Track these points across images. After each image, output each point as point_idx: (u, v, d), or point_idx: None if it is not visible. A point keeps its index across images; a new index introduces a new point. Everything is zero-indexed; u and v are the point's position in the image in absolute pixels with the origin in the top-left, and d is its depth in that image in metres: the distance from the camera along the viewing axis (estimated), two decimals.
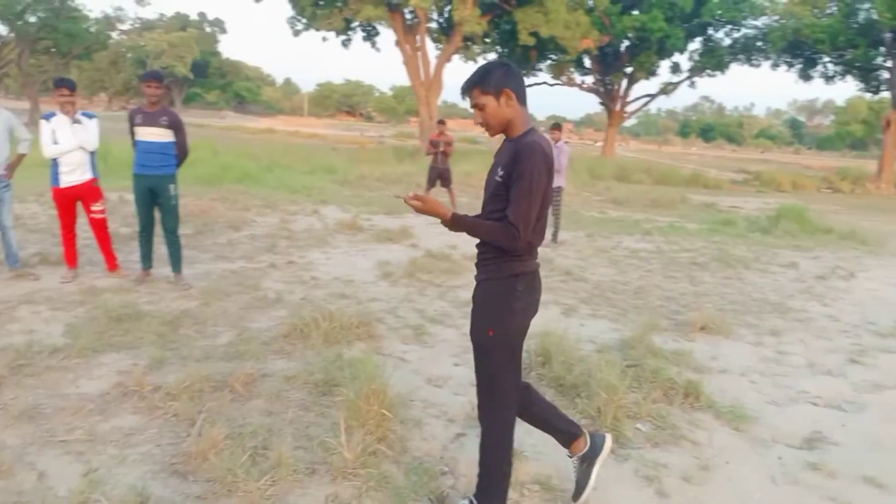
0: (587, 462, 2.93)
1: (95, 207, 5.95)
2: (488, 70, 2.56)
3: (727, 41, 33.68)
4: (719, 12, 30.90)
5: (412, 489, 2.95)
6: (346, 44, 28.24)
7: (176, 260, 6.03)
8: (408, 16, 26.14)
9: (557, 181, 9.49)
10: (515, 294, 2.56)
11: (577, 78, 37.57)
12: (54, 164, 5.74)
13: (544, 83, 40.09)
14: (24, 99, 36.75)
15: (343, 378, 3.98)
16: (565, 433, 2.96)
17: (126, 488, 2.73)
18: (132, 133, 5.74)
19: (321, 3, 25.29)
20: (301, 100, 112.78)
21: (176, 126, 5.76)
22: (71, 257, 6.02)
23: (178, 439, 3.24)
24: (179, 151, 5.88)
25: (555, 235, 9.55)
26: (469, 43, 28.22)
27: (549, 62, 36.34)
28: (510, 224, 2.45)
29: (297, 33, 26.36)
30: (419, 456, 3.27)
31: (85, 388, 3.75)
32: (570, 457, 2.97)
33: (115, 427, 3.33)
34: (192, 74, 65.03)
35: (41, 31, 33.96)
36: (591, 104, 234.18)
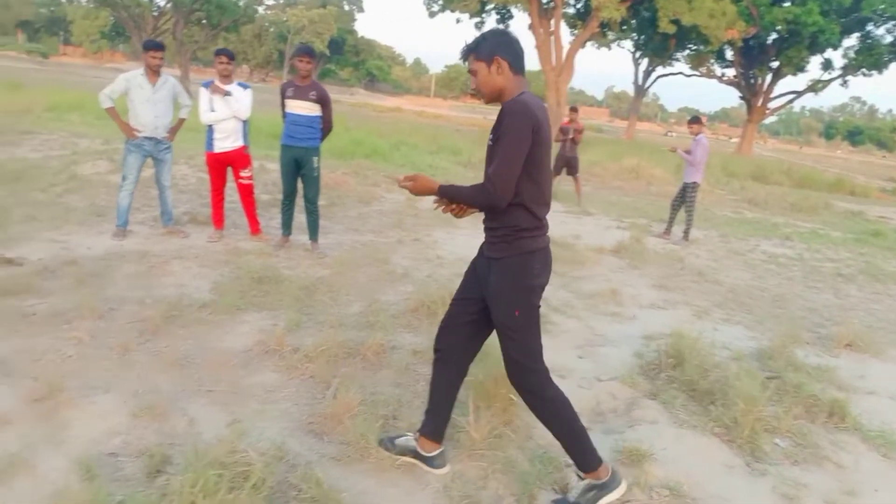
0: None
1: (244, 173, 6.30)
2: (484, 37, 2.59)
3: (888, 38, 30.90)
4: (882, 7, 28.34)
5: (536, 476, 2.93)
6: (478, 26, 28.25)
7: (314, 229, 6.28)
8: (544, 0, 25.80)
9: (693, 176, 9.08)
10: (533, 272, 2.60)
11: (717, 70, 35.72)
12: (209, 130, 6.11)
13: (680, 73, 38.49)
14: (174, 67, 39.42)
15: None
16: (432, 426, 2.88)
17: (267, 442, 2.87)
18: (283, 105, 6.01)
19: None
20: (429, 80, 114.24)
21: (323, 101, 5.97)
22: (218, 219, 6.41)
23: (314, 400, 3.38)
24: (325, 125, 6.09)
25: (686, 233, 9.16)
26: (605, 29, 27.46)
27: (687, 52, 34.83)
28: (486, 180, 2.46)
29: (432, 14, 26.68)
30: (543, 444, 3.23)
31: (230, 343, 3.98)
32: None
33: (257, 382, 3.51)
34: (328, 51, 67.43)
35: (196, 2, 36.27)
36: (728, 98, 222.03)
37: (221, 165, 6.20)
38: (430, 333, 4.46)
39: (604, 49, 39.34)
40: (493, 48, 2.54)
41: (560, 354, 4.47)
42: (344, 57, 77.76)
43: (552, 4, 25.54)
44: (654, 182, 17.09)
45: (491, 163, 2.49)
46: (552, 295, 5.85)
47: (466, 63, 2.62)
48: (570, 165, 11.67)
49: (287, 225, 6.37)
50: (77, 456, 2.66)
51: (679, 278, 7.04)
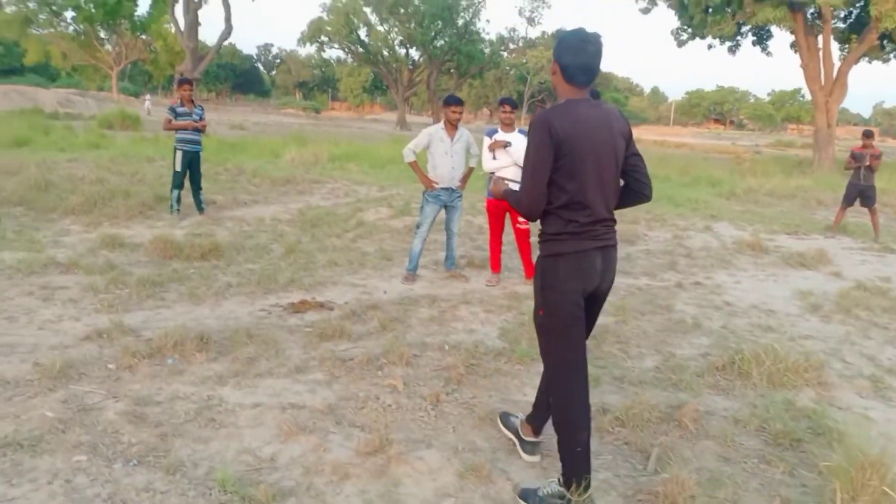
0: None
1: (522, 219, 6.33)
2: (560, 37, 2.69)
3: None
4: None
5: None
6: (732, 49, 26.47)
7: None
8: (809, 16, 23.40)
9: None
10: (558, 275, 2.64)
11: None
12: (490, 177, 6.24)
13: None
14: (426, 114, 42.47)
15: (801, 431, 3.49)
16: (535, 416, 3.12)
17: None
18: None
19: (711, 9, 24.06)
20: (668, 108, 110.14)
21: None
22: (496, 263, 6.50)
23: (635, 472, 3.12)
24: None
25: None
26: (883, 41, 24.16)
27: None
28: (518, 191, 2.69)
29: (681, 44, 25.55)
30: None
31: (531, 396, 3.87)
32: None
33: None
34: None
35: (447, 53, 38.88)
36: None
37: (502, 212, 6.29)
38: (745, 398, 4.01)
39: (877, 63, 34.71)
40: (556, 52, 2.66)
41: None
42: None
43: (819, 20, 23.07)
44: None
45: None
46: (880, 352, 5.00)
47: None
48: (864, 196, 10.20)
49: None
50: None
51: None
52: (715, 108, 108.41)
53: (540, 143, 2.52)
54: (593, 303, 2.80)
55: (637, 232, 9.71)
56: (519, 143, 6.15)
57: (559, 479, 2.74)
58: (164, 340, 4.21)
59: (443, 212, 6.46)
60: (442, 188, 6.22)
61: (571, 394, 2.72)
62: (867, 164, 10.01)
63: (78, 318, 4.80)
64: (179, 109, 8.44)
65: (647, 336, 5.12)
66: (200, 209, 8.80)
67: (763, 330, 5.41)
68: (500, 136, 6.11)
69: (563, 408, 2.74)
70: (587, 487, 2.68)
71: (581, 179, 2.55)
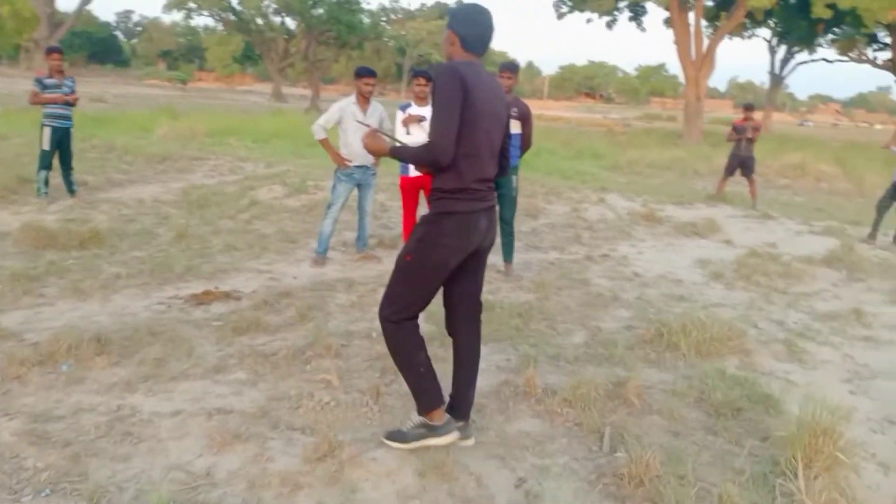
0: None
1: None
2: (455, 9, 2.86)
3: None
4: None
5: None
6: (610, 25, 27.41)
7: (509, 250, 6.01)
8: None
9: None
10: (443, 230, 2.72)
11: (870, 53, 32.78)
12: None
13: (823, 59, 35.80)
14: (301, 85, 41.11)
15: (739, 399, 3.57)
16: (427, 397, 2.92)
17: None
18: None
19: None
20: (542, 82, 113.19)
21: (524, 117, 5.69)
22: None
23: (591, 453, 3.05)
24: (524, 142, 5.81)
25: None
26: (748, 19, 25.84)
27: (831, 37, 32.28)
28: (428, 140, 2.63)
29: (561, 16, 26.16)
30: None
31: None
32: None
33: (521, 431, 3.21)
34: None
35: (326, 23, 37.62)
36: (863, 83, 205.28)
37: (415, 189, 6.06)
38: (678, 369, 4.06)
39: (737, 39, 37.25)
40: (452, 21, 2.76)
41: (829, 390, 3.91)
42: None
43: None
44: (824, 178, 15.70)
45: (431, 122, 2.66)
46: (785, 316, 5.26)
47: None
48: (745, 165, 10.85)
49: None
50: None
51: None
52: (586, 83, 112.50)
53: (452, 87, 2.58)
54: (475, 259, 2.91)
55: (537, 206, 9.78)
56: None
57: (417, 410, 2.91)
58: (54, 344, 3.68)
59: (355, 190, 6.14)
60: (356, 166, 5.87)
61: (400, 326, 2.83)
62: (748, 136, 10.61)
63: None
64: (48, 81, 7.47)
65: (570, 311, 5.11)
66: (72, 191, 7.91)
67: (676, 300, 5.56)
68: (414, 109, 5.84)
69: (398, 337, 2.85)
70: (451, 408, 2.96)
71: (480, 134, 2.68)
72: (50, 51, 7.75)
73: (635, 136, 26.91)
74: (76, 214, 7.16)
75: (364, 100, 5.81)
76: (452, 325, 3.07)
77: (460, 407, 3.01)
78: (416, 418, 2.92)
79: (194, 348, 3.95)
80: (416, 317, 2.90)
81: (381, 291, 5.17)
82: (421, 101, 5.85)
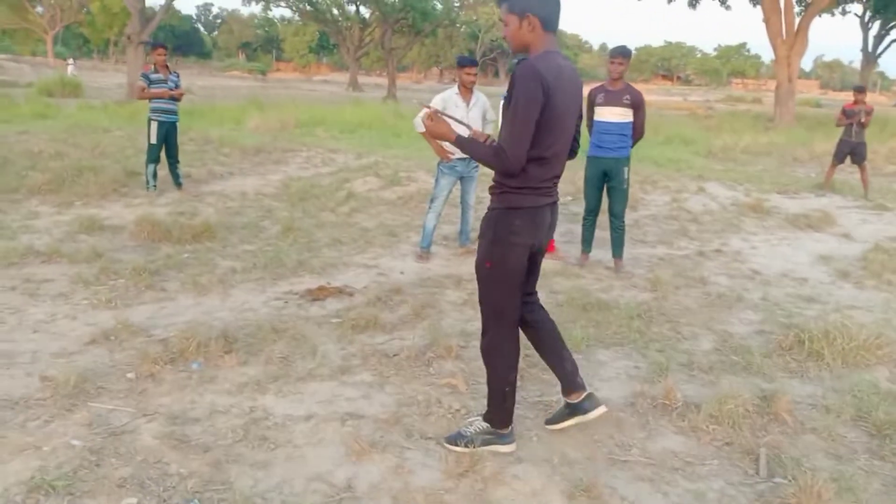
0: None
1: None
2: None
3: None
4: None
5: None
6: (693, 4, 26.33)
7: (619, 245, 5.78)
8: None
9: None
10: (512, 228, 2.61)
11: None
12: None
13: None
14: (376, 74, 41.35)
15: None
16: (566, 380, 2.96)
17: None
18: (591, 113, 5.56)
19: None
20: None
21: (637, 105, 5.45)
22: None
23: (748, 477, 2.83)
24: (636, 132, 5.57)
25: None
26: None
27: None
28: (500, 146, 2.49)
29: None
30: None
31: (605, 392, 3.53)
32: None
33: (666, 449, 3.02)
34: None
35: (400, 11, 37.65)
36: None
37: None
38: (823, 381, 3.77)
39: (828, 16, 35.23)
40: (527, 4, 2.53)
41: None
42: None
43: None
44: None
45: (504, 120, 2.53)
46: None
47: (501, 10, 2.63)
48: (855, 152, 10.13)
49: (588, 242, 5.93)
50: None
51: None
52: (663, 64, 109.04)
53: (533, 95, 2.45)
54: (531, 259, 2.80)
55: (635, 195, 9.39)
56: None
57: (482, 416, 2.92)
58: (184, 342, 3.73)
59: (458, 183, 6.03)
60: (458, 158, 5.74)
61: (505, 337, 2.80)
62: (861, 120, 9.91)
63: (74, 317, 4.26)
64: (154, 76, 7.68)
65: (693, 312, 4.85)
66: (178, 184, 8.13)
67: (805, 301, 5.21)
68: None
69: (497, 349, 2.81)
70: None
71: (555, 135, 2.57)
72: (155, 46, 7.94)
73: (723, 120, 25.76)
74: (185, 207, 7.34)
75: (466, 90, 5.66)
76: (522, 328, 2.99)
77: (573, 381, 2.97)
78: (480, 424, 2.91)
79: (317, 347, 3.93)
80: (517, 326, 2.87)
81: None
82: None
